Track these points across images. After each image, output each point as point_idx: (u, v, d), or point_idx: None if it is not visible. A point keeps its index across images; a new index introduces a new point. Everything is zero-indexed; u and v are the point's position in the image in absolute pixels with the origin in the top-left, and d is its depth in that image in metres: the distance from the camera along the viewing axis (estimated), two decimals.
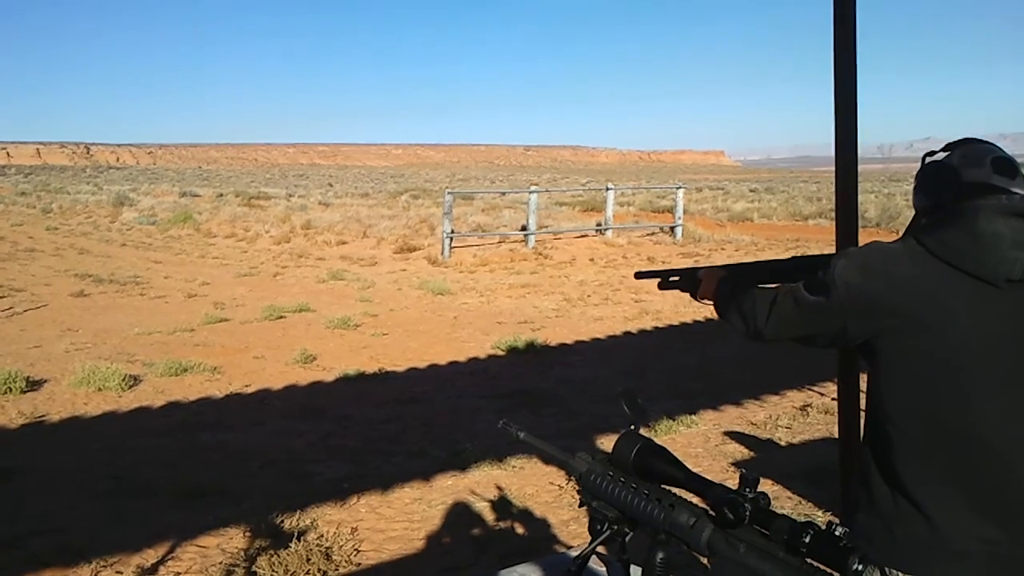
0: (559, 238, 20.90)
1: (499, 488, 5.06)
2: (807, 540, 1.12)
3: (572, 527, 4.59)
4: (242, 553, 4.04)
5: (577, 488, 1.53)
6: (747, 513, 1.19)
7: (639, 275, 2.52)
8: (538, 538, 4.39)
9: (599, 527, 1.45)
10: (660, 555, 1.34)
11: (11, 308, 13.15)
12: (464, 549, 4.30)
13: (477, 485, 5.14)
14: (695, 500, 1.33)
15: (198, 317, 12.12)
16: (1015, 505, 1.70)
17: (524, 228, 20.21)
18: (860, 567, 1.08)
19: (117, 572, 3.89)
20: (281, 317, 12.11)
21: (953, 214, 1.72)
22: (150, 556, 4.07)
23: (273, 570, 3.73)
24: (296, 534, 4.16)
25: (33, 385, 7.83)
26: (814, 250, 16.90)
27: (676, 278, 2.34)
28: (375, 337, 10.62)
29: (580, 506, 1.53)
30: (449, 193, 19.22)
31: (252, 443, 6.20)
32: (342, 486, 5.15)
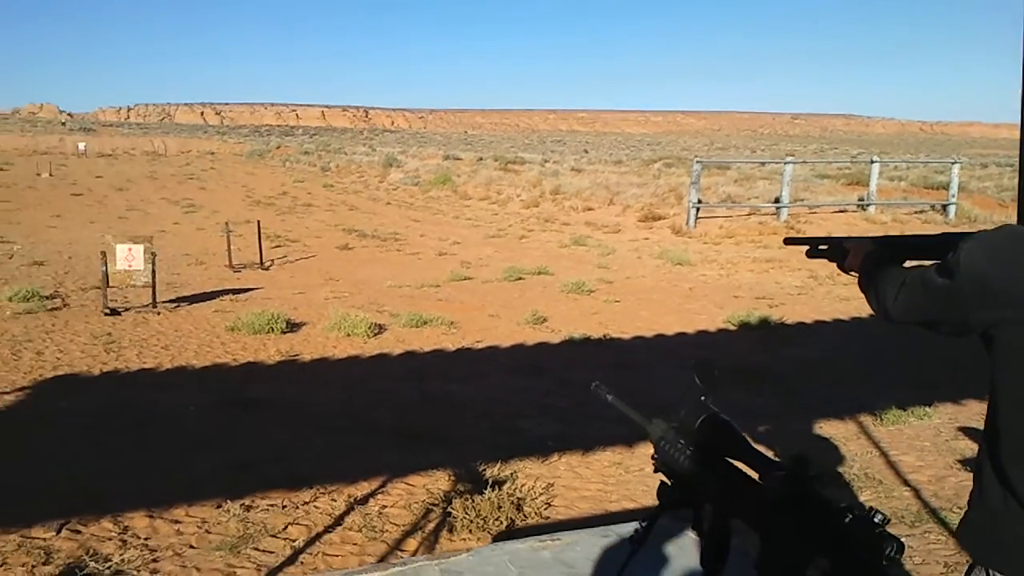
0: (815, 212, 19.86)
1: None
2: (847, 522, 1.09)
3: None
4: (442, 494, 4.30)
5: (652, 454, 1.53)
6: (797, 493, 1.17)
7: (788, 241, 2.39)
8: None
9: (665, 493, 1.45)
10: (719, 527, 1.34)
11: (285, 256, 14.63)
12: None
13: None
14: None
15: (445, 274, 12.86)
16: None
17: (777, 201, 19.40)
18: (893, 554, 1.07)
19: (332, 499, 4.28)
20: (520, 279, 12.53)
21: None
22: (363, 488, 4.44)
23: (466, 513, 3.95)
24: (494, 483, 4.36)
25: (293, 327, 8.70)
26: None
27: (825, 247, 2.21)
28: (607, 303, 10.73)
29: (655, 472, 1.52)
30: (697, 162, 18.82)
31: (473, 395, 6.52)
32: (547, 444, 5.31)
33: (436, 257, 15.04)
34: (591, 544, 1.76)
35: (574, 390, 6.79)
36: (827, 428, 5.75)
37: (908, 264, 1.93)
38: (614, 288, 11.84)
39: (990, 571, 1.64)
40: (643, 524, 1.51)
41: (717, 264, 14.20)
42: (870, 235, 2.36)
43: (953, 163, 21.12)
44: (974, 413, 6.01)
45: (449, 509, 4.07)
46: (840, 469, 4.95)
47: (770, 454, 4.16)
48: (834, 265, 2.22)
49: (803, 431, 5.73)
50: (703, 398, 1.47)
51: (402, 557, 3.55)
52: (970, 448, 5.37)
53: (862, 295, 2.00)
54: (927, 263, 1.79)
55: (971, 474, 1.72)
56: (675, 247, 15.82)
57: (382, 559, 3.60)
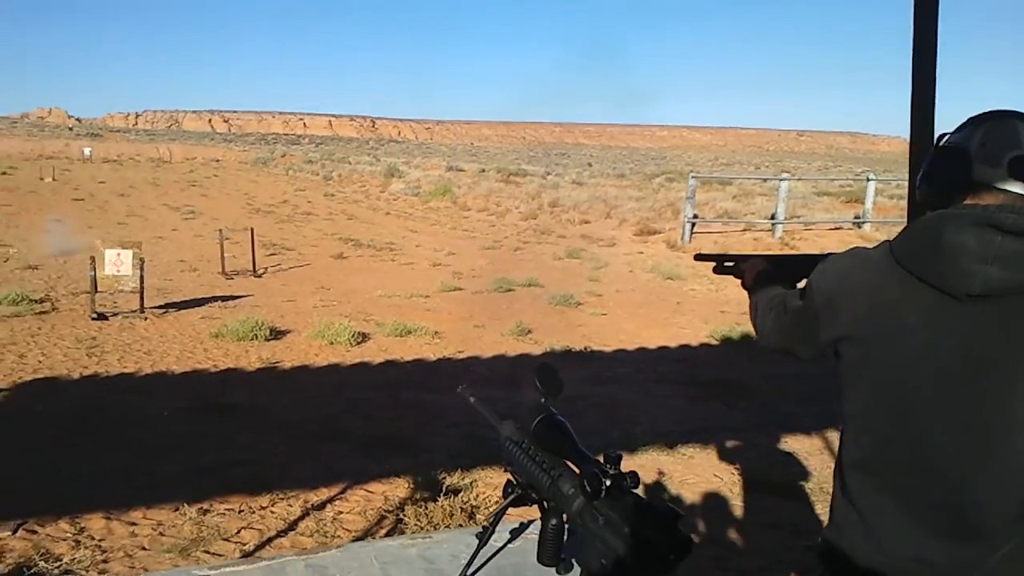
0: (810, 229, 19.90)
1: (661, 473, 5.05)
2: (642, 517, 1.15)
3: (719, 514, 4.49)
4: (399, 501, 4.36)
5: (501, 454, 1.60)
6: (604, 487, 1.22)
7: (698, 257, 2.44)
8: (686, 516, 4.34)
9: (508, 490, 1.51)
10: (552, 522, 1.40)
11: (279, 264, 14.71)
12: None
13: (640, 468, 5.14)
14: None
15: (436, 284, 12.92)
16: (957, 529, 1.54)
17: (772, 217, 19.45)
18: (681, 552, 1.11)
19: (289, 504, 4.34)
20: (510, 290, 12.60)
21: (926, 221, 1.55)
22: (323, 494, 4.51)
23: (417, 520, 4.00)
24: (451, 491, 4.41)
25: (277, 334, 8.77)
26: None
27: (731, 264, 2.25)
28: (593, 316, 10.79)
29: (504, 471, 1.59)
30: (693, 177, 18.89)
31: (447, 404, 6.57)
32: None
33: (429, 267, 15.11)
34: (458, 542, 1.82)
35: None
36: (792, 442, 5.80)
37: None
38: (602, 301, 11.90)
39: None
40: (489, 521, 1.58)
41: (707, 279, 14.22)
42: (769, 252, 2.40)
43: None
44: None
45: (401, 516, 4.13)
46: (797, 481, 5.00)
47: (731, 468, 4.21)
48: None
49: (769, 445, 5.77)
50: (543, 400, 1.53)
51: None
52: None
53: None
54: (787, 290, 1.85)
55: None
56: (667, 261, 15.86)
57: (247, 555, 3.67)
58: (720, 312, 11.28)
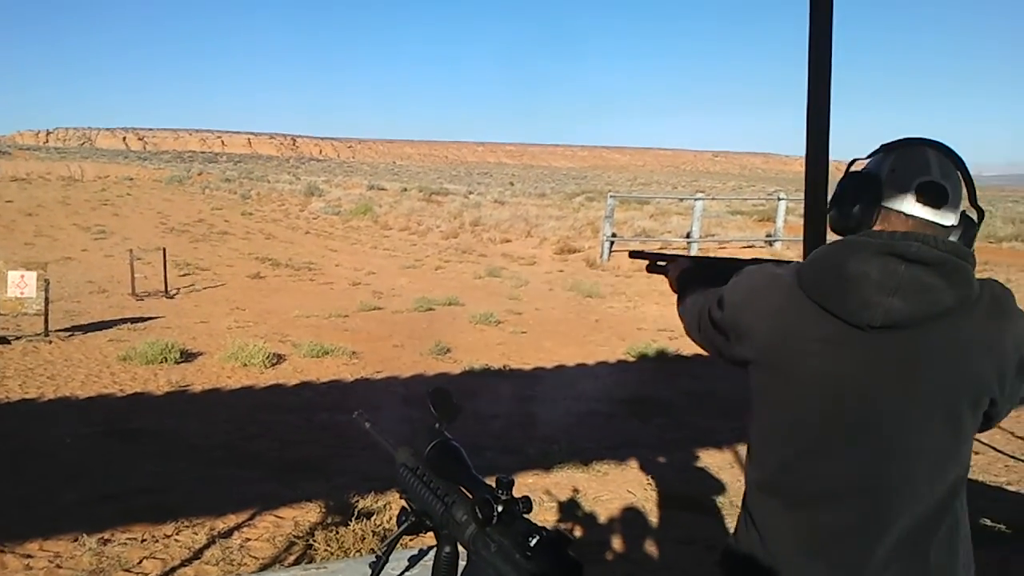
0: (724, 247, 20.38)
1: (576, 490, 5.07)
2: (531, 543, 1.14)
3: (632, 530, 4.54)
4: (309, 527, 4.27)
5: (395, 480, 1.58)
6: (496, 514, 1.21)
7: (633, 255, 2.47)
8: (591, 542, 4.37)
9: (402, 518, 1.49)
10: (446, 549, 1.39)
11: (192, 285, 14.35)
12: None
13: (556, 485, 5.17)
14: None
15: (355, 304, 12.77)
16: (849, 554, 1.56)
17: (688, 235, 19.87)
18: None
19: (194, 532, 4.21)
20: (430, 309, 12.53)
21: (832, 248, 1.57)
22: (230, 520, 4.39)
23: (327, 545, 3.93)
24: (363, 514, 4.34)
25: (188, 357, 8.54)
26: (999, 274, 15.63)
27: (663, 263, 2.28)
28: (513, 334, 10.81)
29: (400, 497, 1.57)
30: (612, 197, 19.19)
31: (361, 426, 6.49)
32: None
33: (349, 287, 14.93)
34: (356, 571, 1.79)
35: (466, 421, 6.81)
36: (706, 457, 5.89)
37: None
38: (522, 319, 11.94)
39: None
40: (382, 550, 1.55)
41: (625, 296, 14.42)
42: (696, 254, 2.43)
43: None
44: None
45: (311, 541, 4.05)
46: (710, 496, 5.08)
47: (646, 483, 4.25)
48: None
49: (683, 460, 5.86)
50: (437, 425, 1.52)
51: None
52: None
53: None
54: (714, 292, 1.87)
55: None
56: (587, 279, 16.02)
57: None
58: (637, 329, 11.43)
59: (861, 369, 1.53)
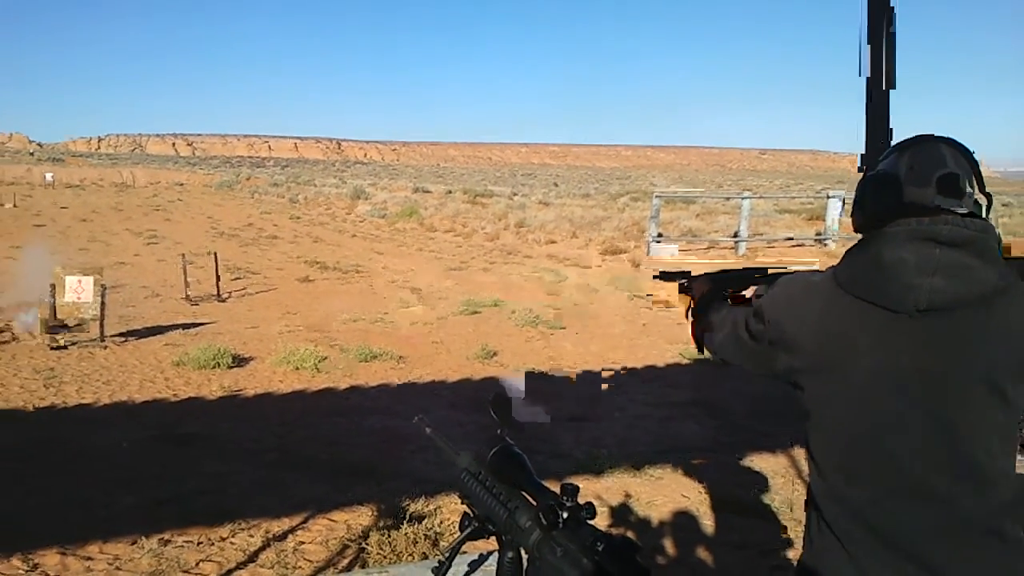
0: (772, 246, 20.12)
1: (628, 495, 5.03)
2: (600, 549, 1.15)
3: (685, 535, 4.49)
4: (362, 530, 4.30)
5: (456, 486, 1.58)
6: (561, 519, 1.22)
7: (658, 276, 2.46)
8: (643, 547, 4.33)
9: (465, 523, 1.49)
10: (508, 555, 1.38)
11: (244, 289, 14.57)
12: None
13: (607, 490, 5.13)
14: None
15: (401, 307, 12.85)
16: (930, 545, 1.55)
17: (735, 235, 19.66)
18: None
19: (250, 535, 4.27)
20: (476, 312, 12.56)
21: (864, 243, 1.60)
22: (284, 524, 4.43)
23: (380, 549, 3.95)
24: (414, 518, 4.36)
25: (240, 361, 8.66)
26: None
27: (686, 283, 2.26)
28: (559, 337, 10.78)
29: (461, 503, 1.57)
30: (657, 197, 19.07)
31: (412, 429, 6.49)
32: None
33: (395, 289, 15.03)
34: (416, 575, 1.79)
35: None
36: (759, 461, 5.81)
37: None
38: (568, 322, 11.90)
39: None
40: (445, 555, 1.55)
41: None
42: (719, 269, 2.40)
43: None
44: None
45: (364, 545, 4.08)
46: (764, 501, 5.01)
47: (699, 488, 4.21)
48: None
49: (737, 464, 5.79)
50: (499, 431, 1.52)
51: None
52: None
53: None
54: (745, 308, 1.86)
55: None
56: (633, 281, 15.93)
57: None
58: (685, 332, 11.33)
59: (916, 354, 1.54)
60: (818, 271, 1.73)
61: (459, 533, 1.51)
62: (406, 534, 4.07)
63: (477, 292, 14.36)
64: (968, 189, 1.58)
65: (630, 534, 4.53)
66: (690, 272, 2.31)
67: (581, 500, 1.26)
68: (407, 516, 4.42)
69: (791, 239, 20.94)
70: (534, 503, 1.35)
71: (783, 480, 5.48)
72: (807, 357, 1.65)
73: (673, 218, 23.49)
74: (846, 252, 1.67)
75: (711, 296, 2.10)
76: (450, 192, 39.44)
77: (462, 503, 1.56)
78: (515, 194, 39.88)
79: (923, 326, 1.53)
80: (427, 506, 4.70)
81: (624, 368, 9.10)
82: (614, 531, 4.58)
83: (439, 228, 25.81)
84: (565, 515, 1.23)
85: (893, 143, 1.73)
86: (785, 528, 4.66)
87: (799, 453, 6.03)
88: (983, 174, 1.66)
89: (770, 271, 2.15)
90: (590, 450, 5.92)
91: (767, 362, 1.76)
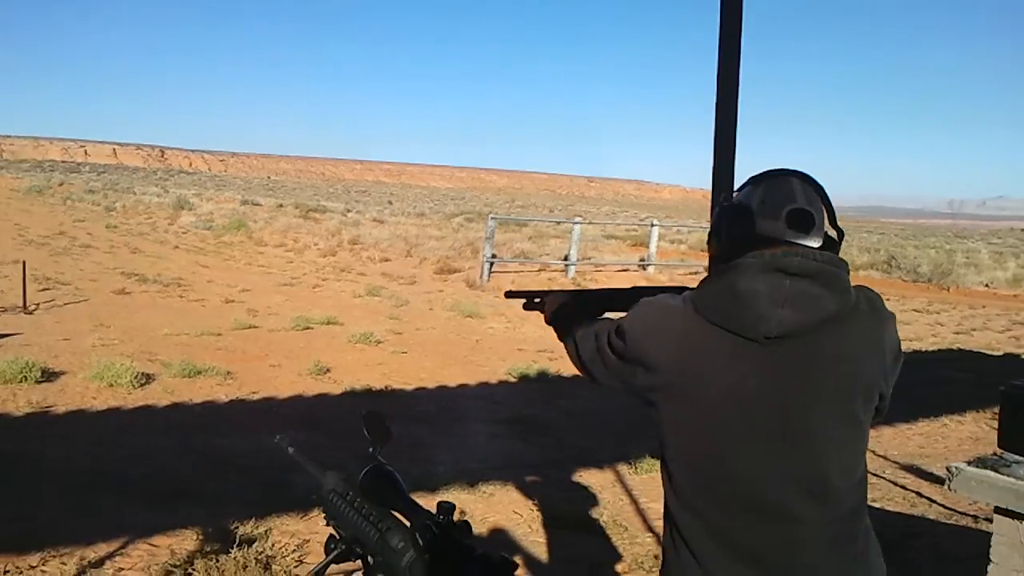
0: (600, 270, 20.85)
1: (462, 512, 5.06)
2: (476, 568, 1.15)
3: (520, 552, 4.56)
4: (187, 555, 4.10)
5: (321, 507, 1.55)
6: (436, 539, 1.21)
7: (508, 294, 2.51)
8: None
9: (331, 546, 1.47)
10: None
11: (52, 300, 13.58)
12: None
13: None
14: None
15: (228, 322, 12.36)
16: (783, 560, 1.66)
17: (566, 258, 20.22)
18: None
19: (63, 563, 3.98)
20: (308, 328, 12.27)
21: (720, 272, 1.70)
22: (101, 550, 4.16)
23: (208, 574, 3.78)
24: (244, 541, 4.21)
25: (49, 376, 8.05)
26: None
27: (539, 300, 2.32)
28: (393, 354, 10.70)
29: (325, 524, 1.55)
30: (492, 218, 19.36)
31: (240, 449, 6.29)
32: (311, 498, 5.18)
33: (222, 304, 14.46)
34: None
35: (348, 442, 6.70)
36: (587, 477, 5.99)
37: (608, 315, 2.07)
38: (402, 339, 11.84)
39: None
40: None
41: (505, 318, 14.52)
42: (570, 289, 2.50)
43: None
44: None
45: (190, 571, 3.89)
46: (593, 516, 5.16)
47: (531, 504, 4.28)
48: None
49: (566, 480, 5.93)
50: (371, 449, 1.50)
51: None
52: None
53: None
54: (611, 321, 1.92)
55: None
56: (467, 300, 16.06)
57: None
58: (517, 350, 11.53)
59: (766, 378, 1.64)
60: (676, 295, 1.81)
61: (324, 556, 1.47)
62: (235, 558, 3.91)
63: (309, 308, 14.01)
64: (817, 223, 1.68)
65: None
66: (537, 291, 2.36)
67: (465, 518, 1.26)
68: (236, 539, 4.24)
69: (616, 264, 21.78)
70: (407, 523, 1.33)
71: (610, 494, 5.67)
72: (663, 376, 1.71)
73: (507, 239, 23.85)
74: (703, 279, 1.76)
75: (570, 311, 2.15)
76: (281, 206, 38.34)
77: (327, 525, 1.52)
78: (349, 210, 39.25)
79: (770, 351, 1.63)
80: (257, 528, 4.54)
81: (458, 385, 9.15)
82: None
83: (269, 242, 25.01)
84: (439, 534, 1.22)
85: (742, 179, 1.83)
86: (613, 541, 4.82)
87: (624, 468, 6.27)
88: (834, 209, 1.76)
89: (628, 291, 2.23)
90: (426, 467, 5.91)
91: (629, 377, 1.81)
